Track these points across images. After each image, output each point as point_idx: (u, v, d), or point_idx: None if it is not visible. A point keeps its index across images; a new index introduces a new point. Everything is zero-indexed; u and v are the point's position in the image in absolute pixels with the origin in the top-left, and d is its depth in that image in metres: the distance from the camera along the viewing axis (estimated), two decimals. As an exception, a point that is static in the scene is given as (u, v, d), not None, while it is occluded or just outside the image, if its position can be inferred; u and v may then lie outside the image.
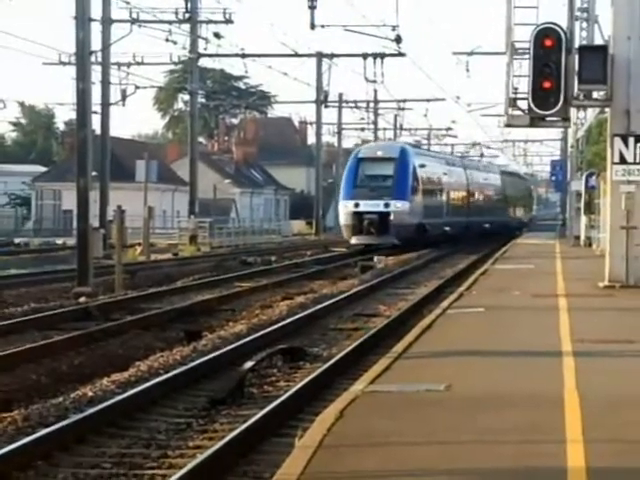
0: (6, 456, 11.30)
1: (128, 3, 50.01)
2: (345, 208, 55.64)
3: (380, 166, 56.58)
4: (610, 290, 26.39)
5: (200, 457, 11.22)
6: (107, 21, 51.35)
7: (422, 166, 59.37)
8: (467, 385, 13.64)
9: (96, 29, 43.09)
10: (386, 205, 53.69)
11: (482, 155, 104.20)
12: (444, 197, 65.41)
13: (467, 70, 62.71)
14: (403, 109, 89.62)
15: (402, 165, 56.26)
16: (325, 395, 15.17)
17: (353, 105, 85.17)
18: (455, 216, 66.35)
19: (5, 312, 24.87)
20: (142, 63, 59.74)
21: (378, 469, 9.54)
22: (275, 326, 22.96)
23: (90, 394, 15.30)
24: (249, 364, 17.10)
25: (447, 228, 62.97)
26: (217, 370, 17.60)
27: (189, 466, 10.74)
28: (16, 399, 15.09)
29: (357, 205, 54.35)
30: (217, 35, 52.67)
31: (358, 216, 54.26)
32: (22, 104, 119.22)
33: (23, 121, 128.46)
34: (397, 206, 53.89)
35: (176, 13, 49.82)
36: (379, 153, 58.60)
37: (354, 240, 55.30)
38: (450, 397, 12.98)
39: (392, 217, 53.87)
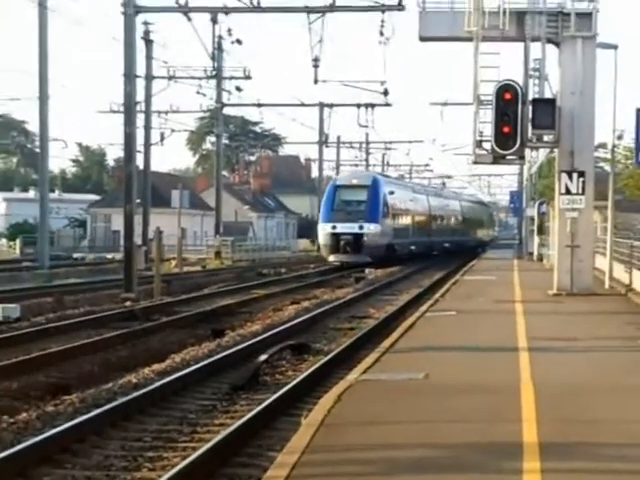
0: (67, 431, 11.10)
1: (166, 62, 49.74)
2: (324, 230, 51.64)
3: (355, 192, 52.64)
4: (558, 297, 25.59)
5: (223, 433, 10.96)
6: (149, 77, 51.00)
7: (391, 193, 55.28)
8: (441, 374, 13.29)
9: (140, 84, 42.65)
10: (360, 227, 50.21)
11: (444, 184, 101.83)
12: (410, 220, 61.32)
13: (441, 117, 62.34)
14: (389, 149, 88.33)
15: (374, 192, 52.53)
16: (326, 383, 14.78)
17: (349, 145, 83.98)
18: (419, 236, 62.45)
19: (65, 314, 24.50)
20: (177, 111, 59.51)
21: (368, 443, 9.29)
22: (284, 326, 22.35)
23: (134, 381, 14.96)
24: (263, 357, 16.68)
25: (413, 247, 59.32)
26: (237, 362, 17.13)
27: (215, 440, 10.50)
28: (74, 385, 14.78)
29: (334, 227, 50.59)
30: (238, 89, 51.88)
31: (335, 237, 50.49)
32: (80, 145, 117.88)
33: (81, 158, 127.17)
34: (370, 228, 50.48)
35: (205, 71, 49.08)
36: (354, 181, 54.29)
37: (332, 258, 51.03)
38: (427, 384, 12.63)
39: (365, 238, 50.32)
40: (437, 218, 70.57)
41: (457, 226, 78.87)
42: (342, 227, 50.18)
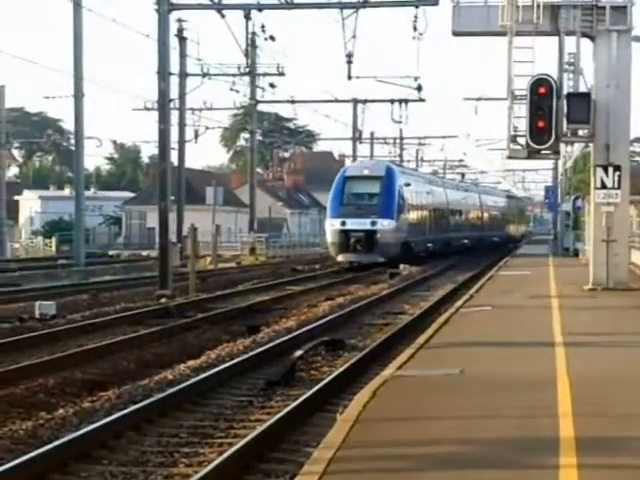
0: (103, 427, 11.22)
1: (200, 60, 49.95)
2: (332, 226, 46.59)
3: (366, 184, 47.66)
4: (593, 292, 25.81)
5: (259, 428, 11.07)
6: (183, 75, 51.28)
7: (407, 185, 50.14)
8: (477, 370, 13.36)
9: (174, 81, 43.07)
10: (372, 223, 45.38)
11: (463, 176, 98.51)
12: (427, 215, 55.93)
13: (476, 112, 62.58)
14: (423, 144, 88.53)
15: (388, 183, 47.43)
16: (361, 378, 14.84)
17: (382, 141, 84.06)
18: (437, 233, 57.50)
19: (101, 310, 24.73)
20: (211, 108, 59.67)
21: (404, 438, 9.35)
22: (319, 322, 22.48)
23: (170, 377, 15.11)
24: (299, 352, 16.78)
25: (430, 245, 54.64)
26: (272, 358, 17.23)
27: (251, 436, 10.59)
28: (111, 381, 14.94)
29: (344, 223, 45.66)
30: (272, 85, 52.21)
31: (345, 234, 45.56)
32: (115, 142, 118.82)
33: (115, 156, 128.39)
34: (383, 224, 45.68)
35: (239, 68, 49.32)
36: (365, 172, 48.91)
37: (340, 257, 46.11)
38: (463, 380, 12.71)
39: (378, 235, 45.53)
40: (456, 213, 66.01)
41: (478, 221, 74.44)
42: (352, 223, 45.78)
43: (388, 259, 44.57)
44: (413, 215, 51.93)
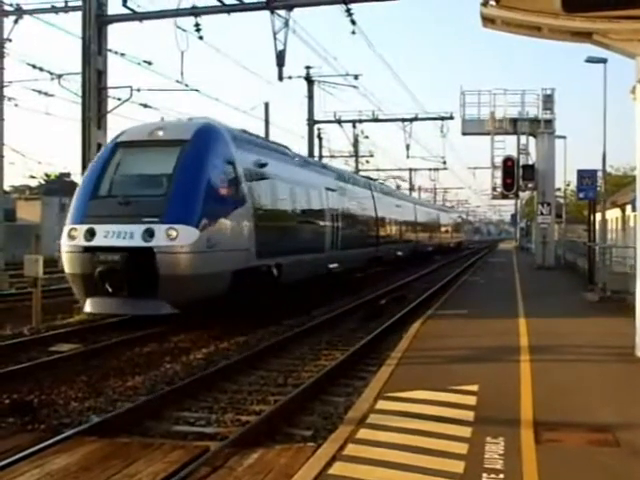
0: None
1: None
2: (69, 240, 20.53)
3: (154, 158, 21.43)
4: (538, 270, 43.08)
5: (362, 341, 17.63)
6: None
7: (260, 165, 23.96)
8: (477, 310, 20.38)
9: None
10: (148, 234, 19.61)
11: (398, 187, 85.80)
12: (294, 221, 27.22)
13: (474, 176, 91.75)
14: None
15: (199, 156, 21.01)
16: (415, 315, 21.18)
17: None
18: (320, 255, 29.57)
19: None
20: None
21: (438, 346, 14.92)
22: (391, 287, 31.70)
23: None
24: (382, 302, 25.35)
25: (299, 275, 26.79)
26: (368, 304, 25.98)
27: (358, 345, 17.30)
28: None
29: (91, 234, 20.17)
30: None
31: (91, 257, 19.89)
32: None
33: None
34: (171, 235, 19.46)
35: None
36: (160, 134, 21.90)
37: (90, 307, 20.13)
38: (469, 315, 19.51)
39: (159, 259, 19.31)
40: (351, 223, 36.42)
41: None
42: (106, 234, 20.09)
43: (186, 308, 19.81)
44: (268, 222, 24.07)
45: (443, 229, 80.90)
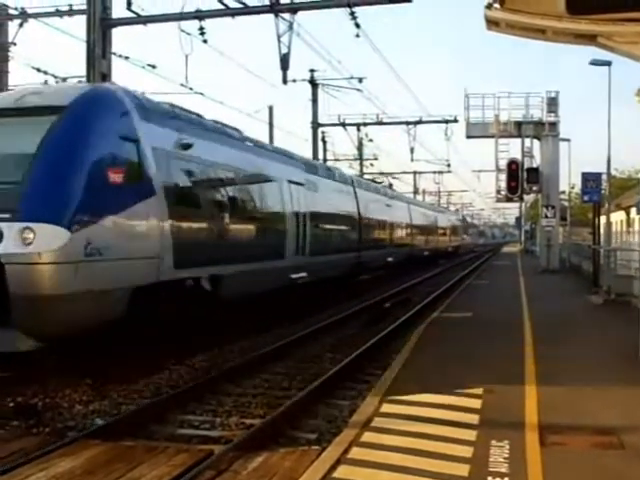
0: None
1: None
2: None
3: (12, 132, 14.55)
4: (542, 273, 43.54)
5: (367, 344, 18.02)
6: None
7: (184, 147, 17.45)
8: (480, 314, 20.91)
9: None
10: None
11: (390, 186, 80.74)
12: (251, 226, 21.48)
13: (478, 179, 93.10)
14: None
15: (77, 129, 14.23)
16: (420, 318, 22.03)
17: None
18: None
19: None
20: None
21: (443, 349, 15.65)
22: (396, 289, 31.93)
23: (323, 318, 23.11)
24: (386, 305, 25.80)
25: (250, 290, 21.09)
26: (371, 307, 26.82)
27: (363, 347, 17.59)
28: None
29: None
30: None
31: None
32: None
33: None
34: (26, 238, 13.00)
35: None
36: (27, 99, 14.98)
37: None
38: (472, 318, 20.17)
39: (10, 271, 12.94)
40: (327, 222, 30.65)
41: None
42: None
43: (59, 341, 13.93)
44: (194, 221, 17.85)
45: (441, 232, 76.86)
